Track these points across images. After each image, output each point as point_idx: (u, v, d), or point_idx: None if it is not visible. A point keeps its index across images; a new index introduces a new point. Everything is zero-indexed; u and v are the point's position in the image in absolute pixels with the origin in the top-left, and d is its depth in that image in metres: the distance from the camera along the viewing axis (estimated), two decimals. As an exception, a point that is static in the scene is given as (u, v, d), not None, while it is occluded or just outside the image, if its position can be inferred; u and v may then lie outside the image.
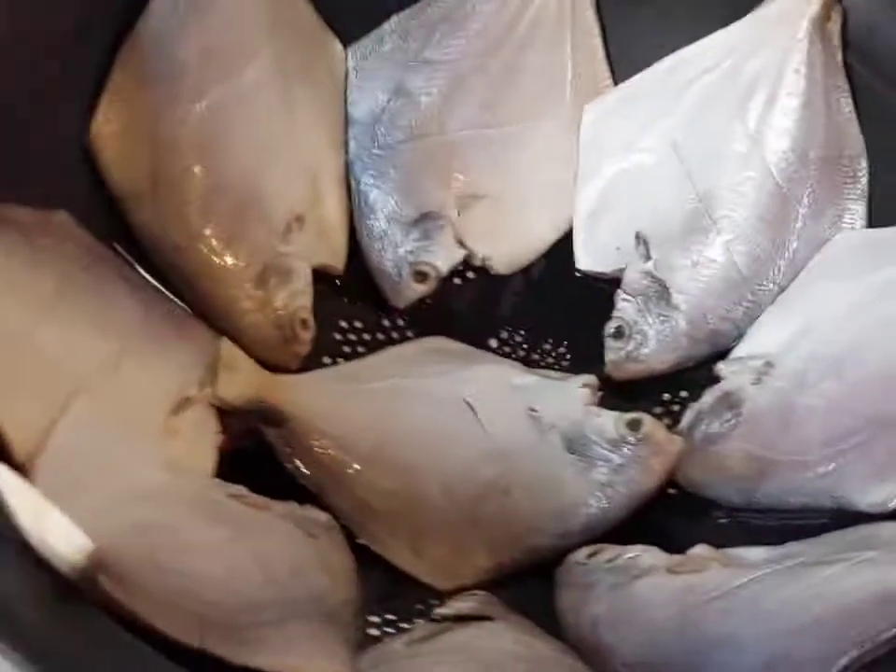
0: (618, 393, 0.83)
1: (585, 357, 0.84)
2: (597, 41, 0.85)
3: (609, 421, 0.76)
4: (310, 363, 0.82)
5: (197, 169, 0.77)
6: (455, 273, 0.87)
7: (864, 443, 0.68)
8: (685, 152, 0.81)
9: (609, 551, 0.72)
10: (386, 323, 0.86)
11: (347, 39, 0.86)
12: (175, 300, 0.77)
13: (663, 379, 0.83)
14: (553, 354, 0.86)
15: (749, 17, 0.80)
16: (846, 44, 0.78)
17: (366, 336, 0.85)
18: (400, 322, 0.86)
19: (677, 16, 0.84)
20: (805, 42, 0.77)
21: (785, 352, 0.75)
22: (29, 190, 0.70)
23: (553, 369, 0.85)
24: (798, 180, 0.78)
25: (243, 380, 0.73)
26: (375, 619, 0.72)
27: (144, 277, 0.75)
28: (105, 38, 0.75)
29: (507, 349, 0.86)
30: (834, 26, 0.77)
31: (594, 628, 0.66)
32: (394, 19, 0.85)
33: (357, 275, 0.86)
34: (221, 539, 0.60)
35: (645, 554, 0.70)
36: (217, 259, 0.77)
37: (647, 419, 0.76)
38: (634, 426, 0.76)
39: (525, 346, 0.86)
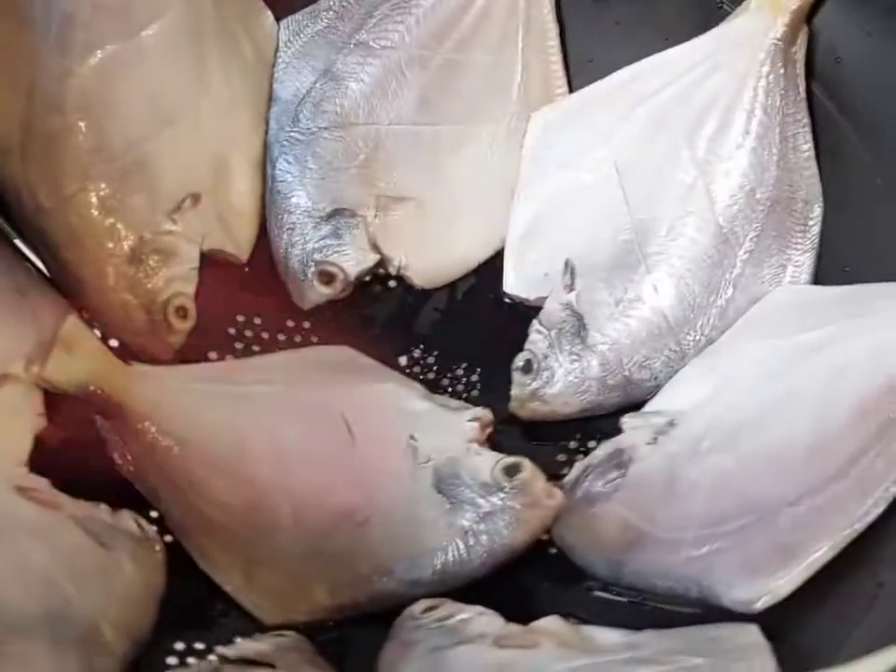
0: (524, 433, 0.75)
1: (497, 389, 0.75)
2: (553, 42, 0.77)
3: (487, 462, 0.68)
4: (193, 357, 0.76)
5: (76, 128, 0.70)
6: (376, 279, 0.79)
7: (742, 530, 0.58)
8: (627, 177, 0.72)
9: (446, 608, 0.63)
10: (290, 323, 0.79)
11: (282, 13, 0.79)
12: (35, 267, 0.71)
13: (573, 424, 0.74)
14: (464, 381, 0.78)
15: (711, 32, 0.70)
16: (810, 72, 0.68)
17: (264, 335, 0.78)
18: (306, 324, 0.79)
19: (645, 22, 0.76)
20: (765, 65, 0.68)
21: (691, 412, 0.65)
22: None
23: (461, 397, 0.77)
24: (742, 221, 0.69)
25: (79, 363, 0.67)
26: (180, 645, 0.65)
27: (-6, 236, 0.69)
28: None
29: (416, 369, 0.78)
30: (799, 51, 0.68)
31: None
32: (332, -5, 0.78)
33: (265, 266, 0.79)
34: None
35: (480, 619, 0.61)
36: (87, 227, 0.71)
37: (527, 465, 0.67)
38: (511, 471, 0.67)
39: (435, 368, 0.78)
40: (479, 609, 0.63)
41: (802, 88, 0.68)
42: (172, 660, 0.64)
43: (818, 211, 0.68)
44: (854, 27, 0.66)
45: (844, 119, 0.67)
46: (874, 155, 0.66)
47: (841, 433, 0.57)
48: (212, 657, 0.62)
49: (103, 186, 0.71)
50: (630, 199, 0.72)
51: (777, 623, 0.57)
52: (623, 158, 0.73)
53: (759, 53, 0.67)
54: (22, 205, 0.71)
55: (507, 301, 0.77)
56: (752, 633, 0.54)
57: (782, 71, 0.67)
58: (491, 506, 0.67)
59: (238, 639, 0.63)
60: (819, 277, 0.69)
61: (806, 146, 0.68)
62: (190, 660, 0.64)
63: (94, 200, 0.71)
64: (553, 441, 0.75)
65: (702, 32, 0.71)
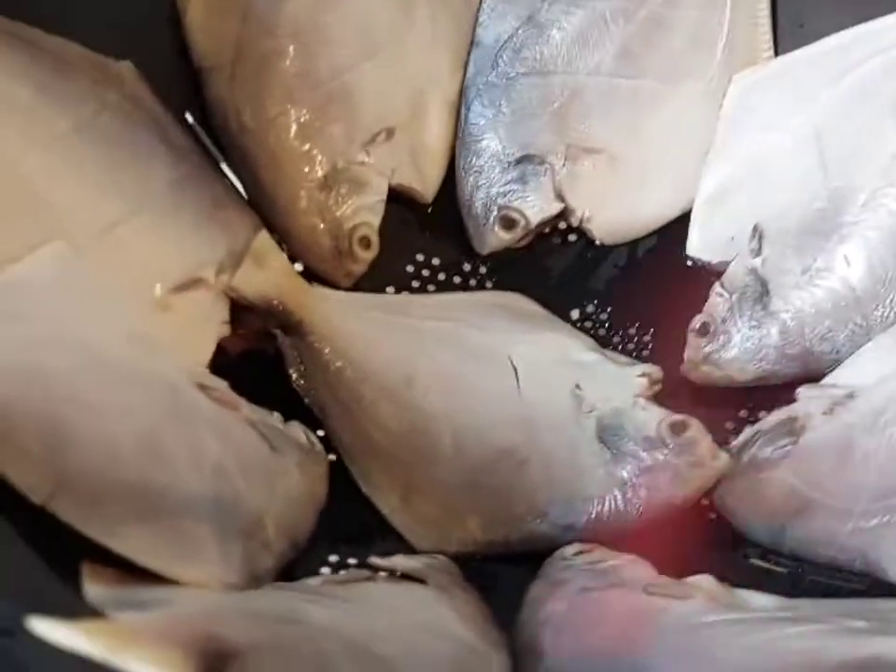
0: (692, 398, 0.74)
1: (669, 351, 0.74)
2: (763, 3, 0.75)
3: (654, 417, 0.68)
4: (371, 289, 0.77)
5: (286, 52, 0.72)
6: (556, 231, 0.79)
7: (916, 506, 0.56)
8: (826, 142, 0.70)
9: (598, 553, 0.63)
10: (467, 267, 0.80)
11: (494, -43, 0.79)
12: (232, 182, 0.73)
13: (746, 392, 0.73)
14: (636, 340, 0.77)
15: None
16: None
17: (441, 276, 0.79)
18: (483, 269, 0.79)
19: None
20: None
21: (873, 387, 0.63)
22: (115, 43, 0.69)
23: (630, 355, 0.76)
24: (946, 200, 0.66)
25: (266, 277, 0.68)
26: (333, 558, 0.67)
27: (198, 150, 0.71)
28: None
29: (587, 324, 0.78)
30: None
31: (541, 626, 0.58)
32: (549, -61, 0.78)
33: (449, 208, 0.79)
34: (144, 409, 0.55)
35: (632, 566, 0.61)
36: (285, 150, 0.73)
37: (694, 424, 0.67)
38: (677, 428, 0.67)
39: (607, 325, 0.78)
40: (631, 557, 0.62)
41: None
42: (325, 570, 0.66)
43: None
44: None
45: None
46: None
47: None
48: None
49: (304, 111, 0.73)
50: (829, 165, 0.69)
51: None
52: (824, 124, 0.70)
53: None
54: (228, 124, 0.74)
55: (689, 263, 0.76)
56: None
57: None
58: (653, 461, 0.66)
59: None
60: None
61: None
62: (342, 572, 0.66)
63: (295, 124, 0.73)
64: (723, 407, 0.73)
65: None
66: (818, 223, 0.70)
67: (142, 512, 0.51)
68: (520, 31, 0.77)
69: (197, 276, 0.66)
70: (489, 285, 0.79)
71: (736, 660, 0.48)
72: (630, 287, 0.79)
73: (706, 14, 0.75)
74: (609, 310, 0.78)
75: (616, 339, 0.77)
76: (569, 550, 0.64)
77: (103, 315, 0.59)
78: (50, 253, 0.59)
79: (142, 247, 0.64)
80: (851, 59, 0.70)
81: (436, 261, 0.80)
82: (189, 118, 0.74)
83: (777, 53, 0.76)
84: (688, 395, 0.74)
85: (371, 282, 0.77)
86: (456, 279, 0.79)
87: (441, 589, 0.59)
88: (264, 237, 0.69)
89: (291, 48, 0.73)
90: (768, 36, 0.76)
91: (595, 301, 0.78)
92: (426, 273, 0.79)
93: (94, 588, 0.48)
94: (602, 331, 0.78)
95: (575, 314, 0.78)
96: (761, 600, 0.58)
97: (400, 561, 0.61)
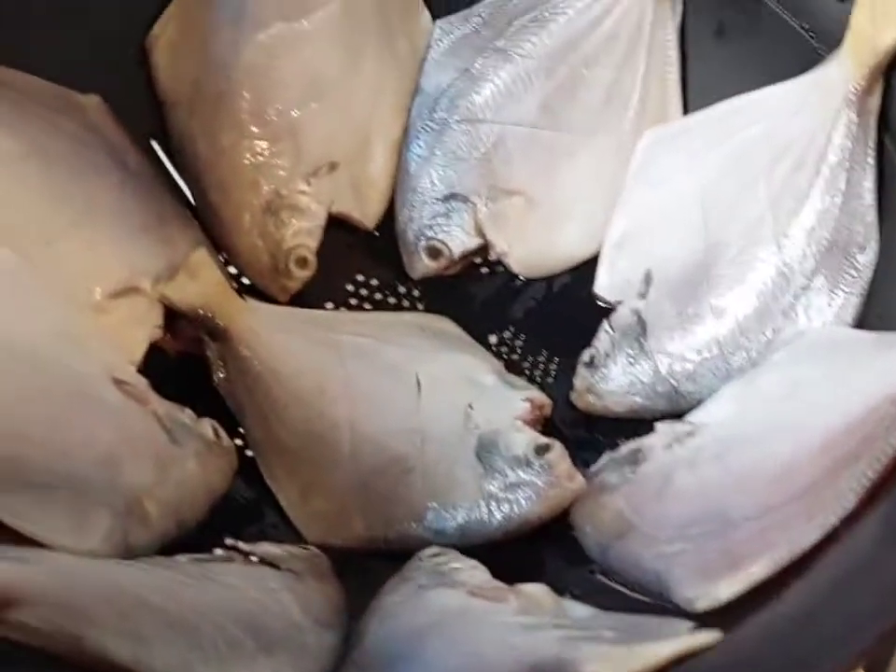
0: (582, 425, 0.81)
1: (570, 379, 0.82)
2: (673, 68, 0.82)
3: (523, 439, 0.75)
4: (312, 303, 0.86)
5: (239, 92, 0.81)
6: (485, 262, 0.87)
7: (705, 535, 0.62)
8: (709, 201, 0.77)
9: (447, 556, 0.71)
10: (402, 289, 0.88)
11: (440, 13, 0.88)
12: (182, 202, 0.83)
13: (628, 425, 0.79)
14: (542, 367, 0.84)
15: (803, 76, 0.74)
16: (884, 124, 0.70)
17: (377, 295, 0.88)
18: (416, 292, 0.88)
19: (756, 60, 0.79)
20: (842, 112, 0.70)
21: (707, 427, 0.70)
22: (92, 78, 0.80)
23: (535, 381, 0.84)
24: (801, 257, 0.72)
25: (197, 289, 0.77)
26: (229, 541, 0.76)
27: (154, 173, 0.81)
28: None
29: (503, 349, 0.85)
30: (875, 103, 0.70)
31: (372, 614, 0.66)
32: (484, 2, 0.86)
33: (391, 236, 0.88)
34: (48, 395, 0.65)
35: (470, 570, 0.68)
36: (234, 177, 0.82)
37: (557, 448, 0.74)
38: (541, 450, 0.74)
39: (519, 351, 0.85)
40: (473, 563, 0.69)
41: (873, 138, 0.70)
42: (218, 551, 0.75)
43: (872, 258, 0.71)
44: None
45: (906, 174, 0.69)
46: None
47: (807, 462, 0.60)
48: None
49: (253, 144, 0.82)
50: (708, 222, 0.76)
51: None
52: (709, 183, 0.77)
53: (837, 100, 0.70)
54: (184, 151, 0.84)
55: (598, 301, 0.83)
56: (676, 625, 0.58)
57: (857, 120, 0.70)
58: (517, 478, 0.73)
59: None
60: (863, 321, 0.71)
61: (869, 194, 0.70)
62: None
63: (243, 155, 0.82)
64: (605, 437, 0.80)
65: (801, 74, 0.74)
66: (694, 273, 0.76)
67: (16, 480, 0.61)
68: (456, 81, 0.85)
69: (134, 284, 0.76)
70: (420, 307, 0.87)
71: (479, 648, 0.55)
72: (544, 317, 0.86)
73: (621, 74, 0.82)
74: (522, 337, 0.85)
75: (525, 364, 0.84)
76: (427, 552, 0.72)
77: (35, 312, 0.69)
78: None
79: (82, 257, 0.74)
80: (737, 123, 0.77)
81: (374, 282, 0.88)
82: (155, 144, 0.85)
83: (686, 113, 0.83)
84: (581, 420, 0.81)
85: (312, 297, 0.86)
86: (391, 300, 0.87)
87: (293, 574, 0.67)
88: (201, 252, 0.78)
89: (244, 88, 0.82)
90: (678, 98, 0.83)
91: (512, 329, 0.86)
92: (364, 292, 0.87)
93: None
94: (515, 356, 0.85)
95: (493, 338, 0.85)
96: (577, 610, 0.65)
97: (263, 547, 0.70)
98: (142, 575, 0.59)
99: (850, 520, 0.57)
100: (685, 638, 0.48)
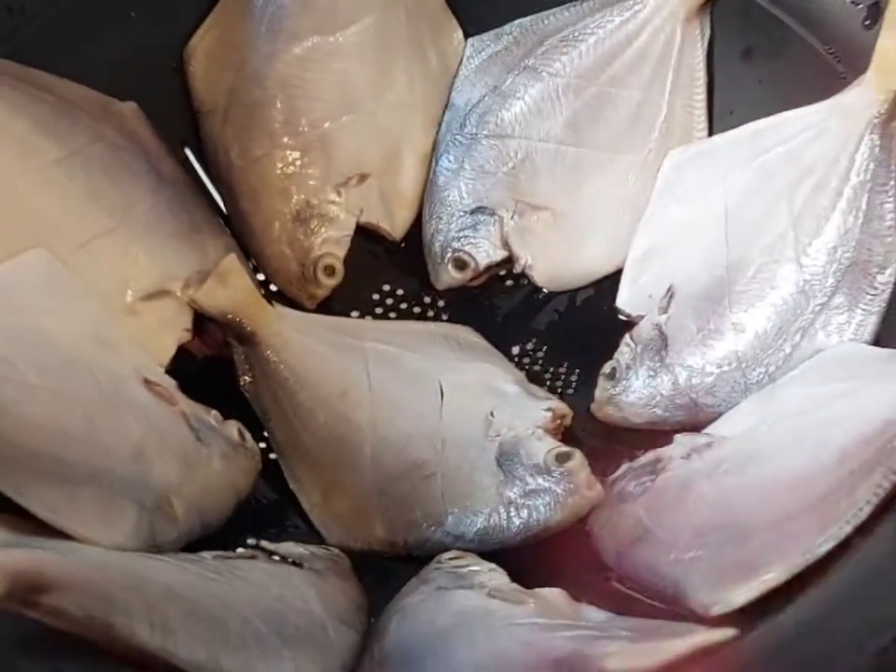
0: (603, 436, 0.82)
1: (590, 390, 0.83)
2: (699, 89, 0.84)
3: (544, 447, 0.76)
4: (339, 311, 0.88)
5: (273, 102, 0.84)
6: (510, 275, 0.89)
7: (722, 543, 0.63)
8: (732, 219, 0.78)
9: (466, 559, 0.72)
10: (427, 299, 0.90)
11: (474, 31, 0.89)
12: (215, 210, 0.85)
13: (647, 436, 0.80)
14: (563, 378, 0.86)
15: (828, 100, 0.75)
16: (906, 148, 0.72)
17: (402, 305, 0.90)
18: (440, 302, 0.90)
19: (782, 83, 0.81)
20: (865, 136, 0.72)
21: (726, 439, 0.71)
22: (130, 86, 0.83)
23: (556, 391, 0.85)
24: (821, 276, 0.74)
25: (226, 294, 0.78)
26: (251, 540, 0.78)
27: (187, 180, 0.84)
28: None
29: (525, 360, 0.87)
30: (896, 127, 0.71)
31: (394, 613, 0.67)
32: (516, 22, 0.88)
33: (418, 247, 0.90)
34: (80, 393, 0.67)
35: (488, 573, 0.70)
36: (265, 186, 0.84)
37: (578, 457, 0.75)
38: (562, 458, 0.75)
39: (541, 362, 0.87)
40: (491, 565, 0.71)
41: (894, 161, 0.72)
42: (241, 550, 0.76)
43: (890, 278, 0.72)
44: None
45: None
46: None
47: (822, 473, 0.61)
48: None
49: (285, 154, 0.84)
50: (730, 239, 0.77)
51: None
52: (732, 202, 0.78)
53: (860, 124, 0.72)
54: (217, 160, 0.86)
55: (620, 315, 0.85)
56: (692, 626, 0.59)
57: (878, 143, 0.71)
58: (537, 485, 0.75)
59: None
60: (879, 337, 0.72)
61: (890, 215, 0.72)
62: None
63: (275, 165, 0.84)
64: (625, 447, 0.81)
65: (825, 97, 0.76)
66: (715, 289, 0.77)
67: (51, 476, 0.62)
68: (486, 98, 0.87)
69: (165, 288, 0.78)
70: (444, 317, 0.89)
71: (500, 646, 0.57)
72: (566, 330, 0.88)
73: (648, 95, 0.84)
74: (544, 349, 0.87)
75: (547, 375, 0.86)
76: (446, 555, 0.73)
77: (69, 312, 0.72)
78: (32, 257, 0.71)
79: (116, 260, 0.76)
80: (762, 145, 0.78)
81: (400, 292, 0.90)
82: (189, 152, 0.87)
83: (710, 135, 0.84)
84: (597, 432, 0.83)
85: (339, 305, 0.88)
86: (416, 309, 0.89)
87: (315, 573, 0.69)
88: (231, 259, 0.79)
89: (278, 99, 0.84)
90: (703, 119, 0.84)
91: (535, 340, 0.87)
92: (389, 301, 0.89)
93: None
94: (536, 367, 0.87)
95: (515, 349, 0.87)
96: (593, 615, 0.66)
97: (286, 546, 0.71)
98: (169, 568, 0.61)
99: (865, 530, 0.58)
100: (703, 634, 0.49)
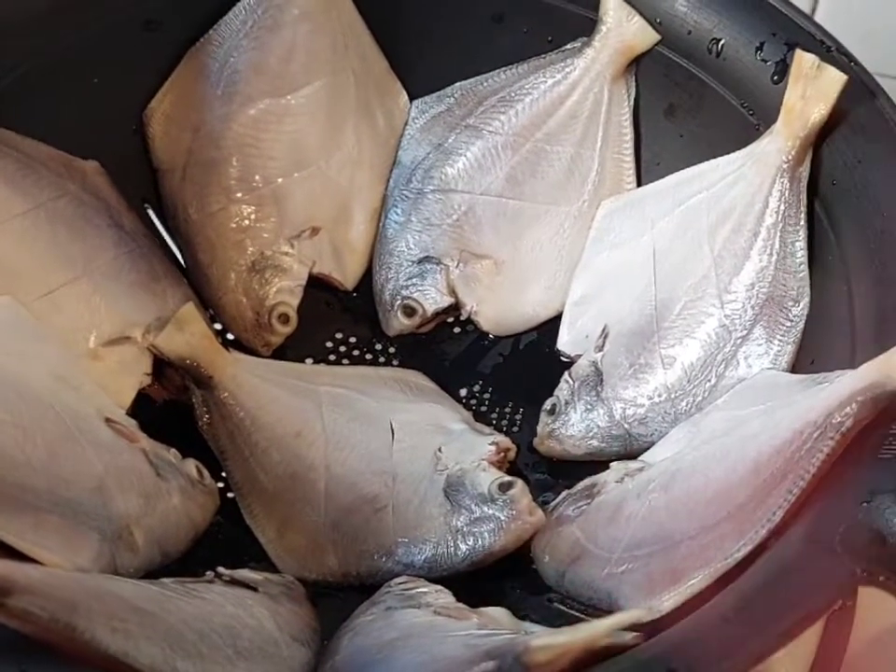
0: (547, 469, 0.87)
1: (534, 427, 0.88)
2: (628, 144, 0.90)
3: (487, 477, 0.80)
4: (292, 357, 0.92)
5: (229, 161, 0.89)
6: (457, 322, 0.94)
7: (651, 555, 0.67)
8: (660, 262, 0.84)
9: (415, 583, 0.75)
10: (378, 346, 0.94)
11: (417, 93, 0.96)
12: (173, 262, 0.90)
13: (586, 468, 0.85)
14: (508, 417, 0.90)
15: (744, 149, 0.81)
16: (812, 190, 0.78)
17: (355, 351, 0.94)
18: (391, 348, 0.94)
19: (702, 136, 0.87)
20: (776, 180, 0.78)
21: (656, 463, 0.75)
22: (92, 146, 0.88)
23: (502, 430, 0.89)
24: (741, 311, 0.79)
25: (184, 340, 0.82)
26: (209, 574, 0.80)
27: (147, 233, 0.88)
28: (181, 35, 0.90)
29: (472, 401, 0.91)
30: (805, 171, 0.77)
31: (345, 632, 0.71)
32: (457, 85, 0.94)
33: (369, 296, 0.95)
34: (44, 429, 0.70)
35: (435, 593, 0.73)
36: (221, 239, 0.89)
37: (519, 485, 0.79)
38: (504, 487, 0.79)
39: (487, 403, 0.91)
40: (438, 587, 0.74)
41: (804, 203, 0.78)
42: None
43: (804, 309, 0.78)
44: (849, 155, 0.76)
45: (832, 234, 0.76)
46: (847, 265, 0.75)
47: (739, 484, 0.65)
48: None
49: (240, 209, 0.90)
50: (659, 280, 0.83)
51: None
52: (660, 246, 0.84)
53: (772, 169, 0.77)
54: (176, 215, 0.91)
55: (561, 356, 0.90)
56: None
57: (789, 186, 0.77)
58: (482, 513, 0.78)
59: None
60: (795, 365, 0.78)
61: (801, 252, 0.77)
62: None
63: (232, 218, 0.90)
64: (567, 479, 0.85)
65: (741, 147, 0.82)
66: (645, 327, 0.83)
67: (18, 503, 0.66)
68: (431, 154, 0.93)
69: (126, 334, 0.82)
70: (395, 362, 0.93)
71: (442, 648, 0.60)
72: (510, 372, 0.92)
73: (580, 150, 0.90)
74: (490, 390, 0.91)
75: (493, 415, 0.90)
76: (396, 580, 0.76)
77: (34, 355, 0.76)
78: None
79: (79, 307, 0.80)
80: (685, 192, 0.84)
81: (352, 339, 0.94)
82: (149, 208, 0.92)
83: (639, 185, 0.90)
84: (542, 466, 0.87)
85: (293, 352, 0.93)
86: (368, 356, 0.94)
87: (269, 597, 0.72)
88: (189, 307, 0.83)
89: (234, 158, 0.90)
90: (632, 171, 0.90)
91: (481, 382, 0.92)
92: (342, 348, 0.94)
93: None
94: (483, 408, 0.91)
95: (463, 391, 0.92)
96: (534, 630, 0.70)
97: (242, 572, 0.74)
98: (129, 585, 0.64)
99: (777, 532, 0.62)
100: (620, 615, 0.54)
